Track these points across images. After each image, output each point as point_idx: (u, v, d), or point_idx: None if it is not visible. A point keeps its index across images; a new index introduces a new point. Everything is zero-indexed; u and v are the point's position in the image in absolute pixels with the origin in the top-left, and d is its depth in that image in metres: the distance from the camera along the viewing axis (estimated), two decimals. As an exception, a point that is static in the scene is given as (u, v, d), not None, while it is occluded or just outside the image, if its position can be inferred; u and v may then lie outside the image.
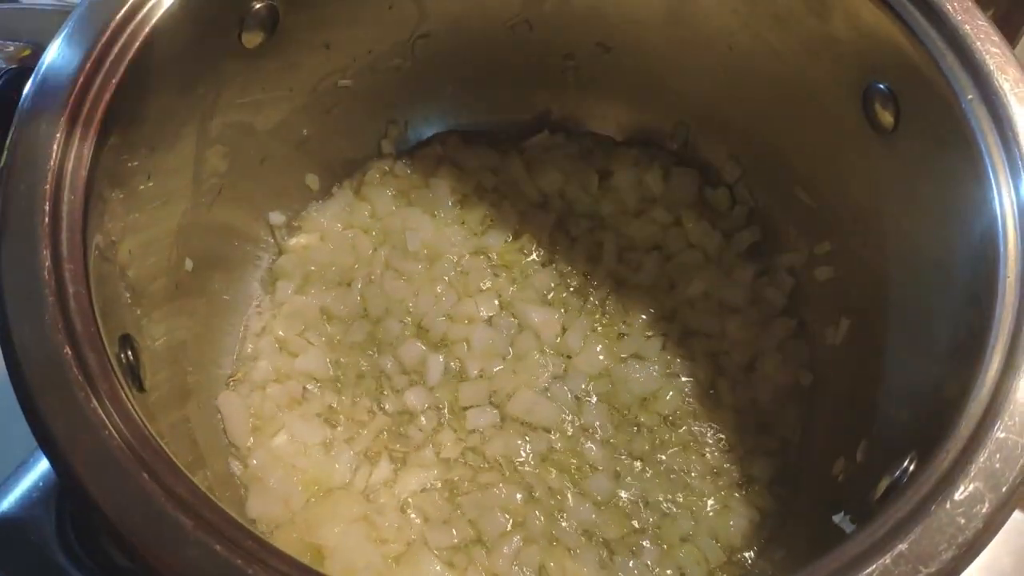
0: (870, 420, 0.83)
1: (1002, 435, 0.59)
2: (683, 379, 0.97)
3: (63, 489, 0.85)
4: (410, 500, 0.90)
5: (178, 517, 0.55)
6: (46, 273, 0.61)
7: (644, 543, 0.88)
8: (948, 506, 0.57)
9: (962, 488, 0.57)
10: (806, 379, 0.97)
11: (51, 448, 0.57)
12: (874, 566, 0.55)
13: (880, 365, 0.85)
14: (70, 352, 0.59)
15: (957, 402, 0.62)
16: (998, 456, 0.58)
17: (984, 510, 0.57)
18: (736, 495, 0.91)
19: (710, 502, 0.91)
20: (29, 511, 0.87)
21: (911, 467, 0.65)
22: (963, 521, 0.56)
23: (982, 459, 0.58)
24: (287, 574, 0.54)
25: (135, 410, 0.59)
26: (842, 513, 0.74)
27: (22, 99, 0.68)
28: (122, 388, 0.60)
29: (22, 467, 0.89)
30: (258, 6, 0.82)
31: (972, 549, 0.56)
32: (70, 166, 0.66)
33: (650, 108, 1.09)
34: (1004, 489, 0.57)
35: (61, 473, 0.56)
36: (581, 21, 0.99)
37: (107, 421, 0.57)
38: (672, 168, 1.09)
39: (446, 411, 0.95)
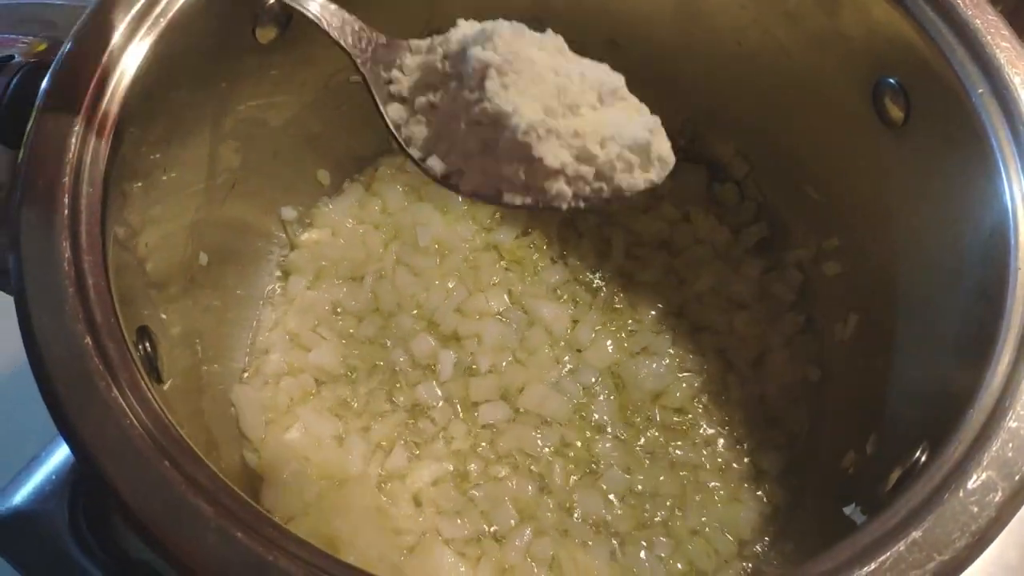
0: (879, 415, 0.84)
1: (1014, 424, 0.60)
2: (692, 374, 0.97)
3: (83, 477, 0.85)
4: (423, 492, 0.90)
5: (198, 504, 0.55)
6: (66, 264, 0.62)
7: (655, 536, 0.89)
8: (961, 495, 0.58)
9: (975, 477, 0.58)
10: (814, 375, 0.97)
11: (72, 437, 0.57)
12: (888, 553, 0.56)
13: (889, 360, 0.85)
14: (90, 342, 0.60)
15: (968, 394, 0.63)
16: (1011, 445, 0.59)
17: (997, 499, 0.57)
18: (746, 488, 0.92)
19: (720, 495, 0.91)
20: (42, 504, 0.87)
21: (923, 457, 0.66)
22: (976, 510, 0.57)
23: (995, 448, 0.59)
24: (307, 561, 0.54)
25: (155, 399, 0.60)
26: (853, 504, 0.74)
27: (40, 94, 0.69)
28: (142, 378, 0.60)
29: (35, 461, 0.89)
30: (272, 1, 0.82)
31: (985, 538, 0.57)
32: (88, 160, 0.67)
33: (658, 103, 1.08)
34: (1017, 478, 0.58)
35: (82, 461, 0.57)
36: (590, 17, 1.00)
37: (127, 409, 0.58)
38: (680, 164, 1.09)
39: (458, 405, 0.95)
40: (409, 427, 0.94)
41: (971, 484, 0.58)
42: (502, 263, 1.05)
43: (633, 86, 1.06)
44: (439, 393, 0.96)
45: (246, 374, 0.96)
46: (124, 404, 0.58)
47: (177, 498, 0.55)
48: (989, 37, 0.73)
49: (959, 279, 0.75)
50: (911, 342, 0.83)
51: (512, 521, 0.88)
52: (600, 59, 1.03)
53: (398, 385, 0.96)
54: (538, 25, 0.99)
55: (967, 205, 0.74)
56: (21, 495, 0.88)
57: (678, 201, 1.08)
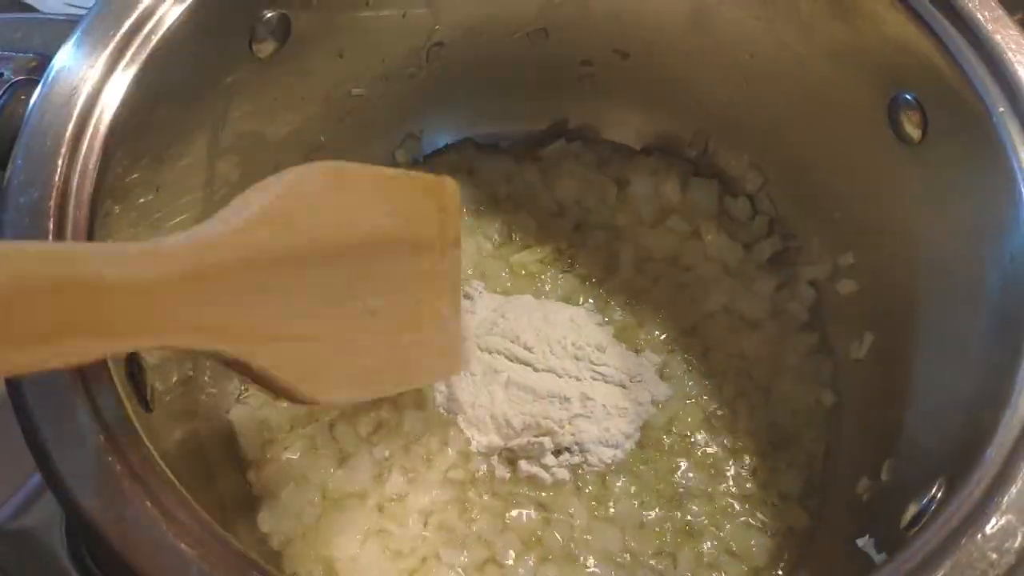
0: (895, 439, 0.81)
1: (1037, 466, 0.57)
2: (704, 398, 0.95)
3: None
4: (424, 514, 0.88)
5: (180, 546, 0.53)
6: (50, 292, 0.60)
7: (665, 563, 0.86)
8: (979, 539, 0.55)
9: (993, 521, 0.55)
10: (828, 399, 0.95)
11: (51, 473, 0.55)
12: (903, 602, 0.53)
13: (906, 383, 0.83)
14: (72, 373, 0.58)
15: (988, 428, 0.60)
16: (1032, 488, 0.56)
17: (1016, 544, 0.55)
18: (759, 515, 0.89)
19: (733, 522, 0.88)
20: (39, 521, 0.86)
21: (939, 494, 0.63)
22: (995, 556, 0.54)
23: (1014, 491, 0.56)
24: (292, 607, 0.52)
25: (140, 433, 0.58)
26: (867, 536, 0.72)
27: (28, 110, 0.67)
28: (127, 410, 0.58)
29: (32, 478, 0.88)
30: (270, 15, 0.81)
31: (1005, 585, 0.54)
32: (76, 180, 0.65)
33: (669, 116, 1.07)
34: (1039, 523, 0.55)
35: (62, 499, 0.55)
36: (599, 27, 0.98)
37: (110, 446, 0.56)
38: (691, 179, 1.07)
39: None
40: (413, 448, 0.91)
41: (989, 528, 0.55)
42: (508, 278, 1.02)
43: (643, 98, 1.05)
44: (444, 414, 0.93)
45: (244, 394, 0.94)
46: (105, 439, 0.56)
47: (159, 539, 0.54)
48: (1010, 53, 0.70)
49: (979, 304, 0.72)
50: (928, 367, 0.81)
51: (515, 548, 0.86)
52: (609, 70, 1.02)
53: (403, 404, 0.93)
54: (545, 36, 0.98)
55: (987, 227, 0.72)
56: (16, 513, 0.87)
57: (688, 216, 1.05)
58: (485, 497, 0.89)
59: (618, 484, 0.90)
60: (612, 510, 0.88)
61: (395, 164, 1.07)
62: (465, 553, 0.86)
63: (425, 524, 0.88)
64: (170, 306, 0.53)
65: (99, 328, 0.48)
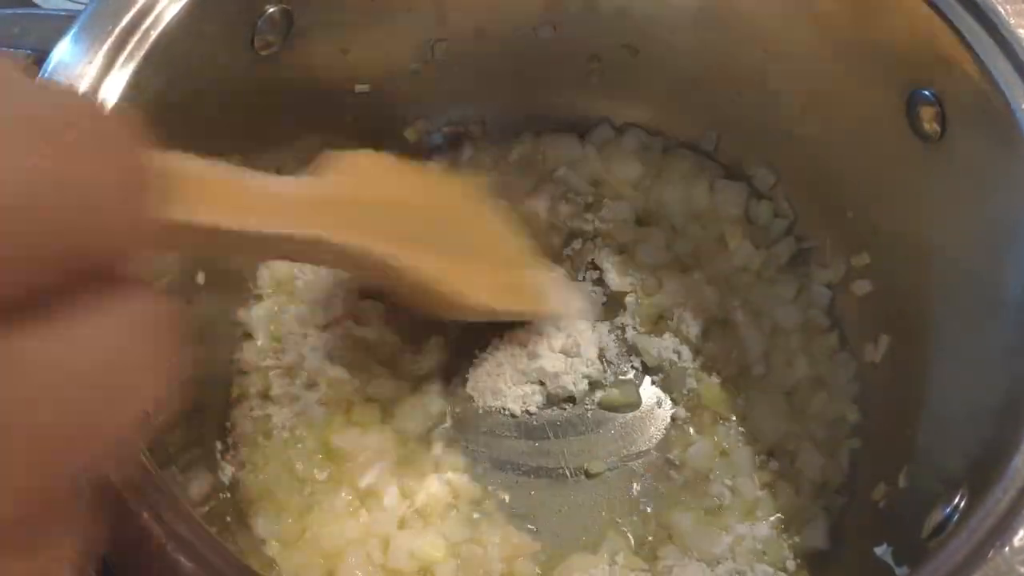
0: (912, 444, 0.79)
1: (1064, 475, 0.55)
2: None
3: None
4: (424, 516, 0.87)
5: (179, 559, 0.52)
6: (44, 296, 0.58)
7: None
8: (1007, 552, 0.53)
9: (1021, 533, 0.54)
10: (853, 415, 0.91)
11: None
12: (929, 619, 0.51)
13: (923, 387, 0.80)
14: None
15: (1011, 435, 0.59)
16: (1060, 499, 0.54)
17: (1046, 558, 0.53)
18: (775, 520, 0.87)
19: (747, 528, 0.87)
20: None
21: (962, 503, 0.61)
22: (1023, 570, 0.53)
23: (1043, 501, 0.54)
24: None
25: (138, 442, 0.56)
26: (884, 545, 0.70)
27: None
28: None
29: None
30: (272, 10, 0.79)
31: (1033, 600, 0.52)
32: (73, 180, 0.63)
33: (680, 112, 1.05)
34: (1068, 535, 0.53)
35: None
36: (607, 23, 0.96)
37: (106, 455, 0.54)
38: (719, 181, 1.04)
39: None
40: (407, 452, 0.90)
41: (1017, 541, 0.53)
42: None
43: (652, 94, 1.03)
44: (439, 407, 0.92)
45: (241, 396, 0.92)
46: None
47: (157, 552, 0.52)
48: (1034, 48, 0.68)
49: (999, 306, 0.71)
50: (946, 370, 0.79)
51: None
52: (617, 66, 1.00)
53: (396, 409, 0.92)
54: (552, 31, 0.97)
55: (1007, 226, 0.70)
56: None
57: (714, 219, 1.02)
58: (485, 501, 0.88)
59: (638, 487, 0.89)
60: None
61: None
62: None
63: (424, 525, 0.87)
64: (305, 211, 0.59)
65: (238, 210, 0.52)
